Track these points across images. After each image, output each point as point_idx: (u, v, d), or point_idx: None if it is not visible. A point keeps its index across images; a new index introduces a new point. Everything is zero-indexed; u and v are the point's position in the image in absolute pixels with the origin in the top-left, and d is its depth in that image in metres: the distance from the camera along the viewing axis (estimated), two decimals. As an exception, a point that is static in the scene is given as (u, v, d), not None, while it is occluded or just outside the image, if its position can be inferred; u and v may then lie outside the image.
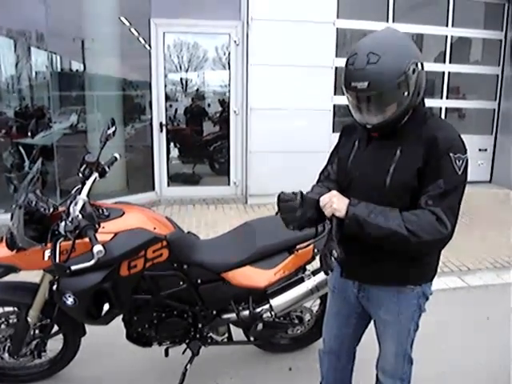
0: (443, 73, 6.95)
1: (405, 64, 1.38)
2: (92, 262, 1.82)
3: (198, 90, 6.99)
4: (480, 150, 7.16)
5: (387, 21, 6.45)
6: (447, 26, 6.82)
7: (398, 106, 1.44)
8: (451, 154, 1.43)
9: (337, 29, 6.00)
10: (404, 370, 1.80)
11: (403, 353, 1.76)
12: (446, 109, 7.06)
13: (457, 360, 2.80)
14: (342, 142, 1.76)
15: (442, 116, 6.95)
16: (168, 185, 6.27)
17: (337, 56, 5.92)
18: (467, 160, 1.47)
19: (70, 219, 1.95)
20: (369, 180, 1.56)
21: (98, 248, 1.75)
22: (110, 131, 2.25)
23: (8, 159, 5.77)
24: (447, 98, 7.04)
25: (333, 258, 1.47)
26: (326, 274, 1.51)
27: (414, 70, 1.39)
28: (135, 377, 2.59)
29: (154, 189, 6.17)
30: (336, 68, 5.89)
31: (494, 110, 7.25)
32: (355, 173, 1.61)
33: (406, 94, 1.41)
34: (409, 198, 1.49)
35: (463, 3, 6.80)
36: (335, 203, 1.47)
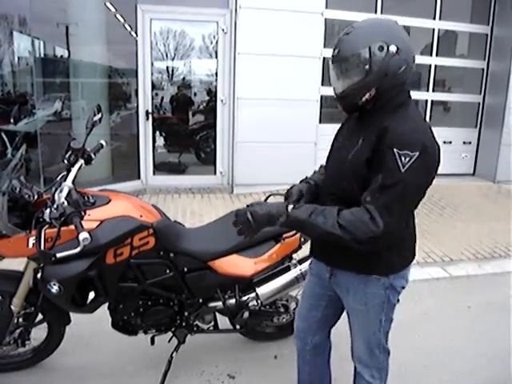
0: (430, 66, 7.00)
1: (373, 40, 1.44)
2: (78, 250, 1.79)
3: (184, 78, 6.93)
4: (464, 142, 7.25)
5: (375, 12, 6.47)
6: (434, 18, 6.86)
7: (358, 78, 1.47)
8: (395, 150, 1.38)
9: (325, 19, 5.98)
10: (380, 360, 1.80)
11: (377, 343, 1.75)
12: (432, 101, 7.12)
13: (438, 347, 2.86)
14: None
15: (428, 108, 7.02)
16: (154, 173, 6.23)
17: (325, 46, 5.91)
18: (419, 158, 1.38)
19: (55, 206, 1.92)
20: (334, 167, 1.65)
21: (83, 235, 1.73)
22: (97, 117, 2.22)
23: (-11, 146, 5.67)
24: (433, 90, 7.10)
25: None
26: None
27: (381, 48, 1.43)
28: (121, 365, 2.58)
29: (139, 177, 6.12)
30: (324, 58, 5.88)
31: (479, 103, 7.33)
32: (328, 161, 1.74)
33: (367, 67, 1.44)
34: (361, 188, 1.48)
35: (450, -4, 6.85)
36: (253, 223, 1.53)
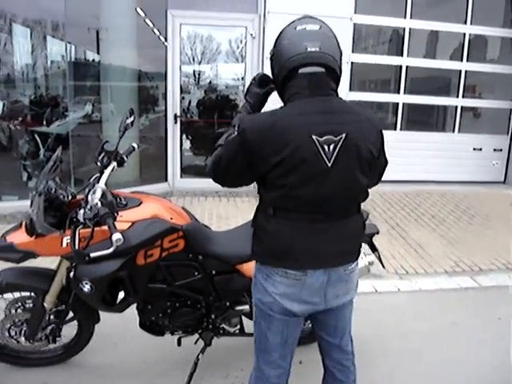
0: (460, 71, 6.88)
1: None
2: (111, 250, 1.82)
3: (211, 82, 6.97)
4: (495, 149, 7.07)
5: (405, 17, 6.40)
6: (465, 23, 6.75)
7: None
8: None
9: (354, 24, 5.95)
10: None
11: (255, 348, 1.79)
12: (462, 107, 6.97)
13: (466, 359, 2.80)
14: None
15: (457, 115, 6.88)
16: (181, 176, 6.30)
17: (353, 51, 5.87)
18: (235, 137, 1.53)
19: (88, 207, 1.96)
20: None
21: (117, 236, 1.76)
22: (129, 121, 2.27)
23: (23, 147, 5.83)
24: (463, 96, 6.96)
25: None
26: None
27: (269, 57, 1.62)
28: (147, 365, 2.62)
29: (166, 180, 6.20)
30: (352, 63, 5.84)
31: (511, 110, 7.16)
32: None
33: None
34: None
35: (482, 0, 6.72)
36: None
